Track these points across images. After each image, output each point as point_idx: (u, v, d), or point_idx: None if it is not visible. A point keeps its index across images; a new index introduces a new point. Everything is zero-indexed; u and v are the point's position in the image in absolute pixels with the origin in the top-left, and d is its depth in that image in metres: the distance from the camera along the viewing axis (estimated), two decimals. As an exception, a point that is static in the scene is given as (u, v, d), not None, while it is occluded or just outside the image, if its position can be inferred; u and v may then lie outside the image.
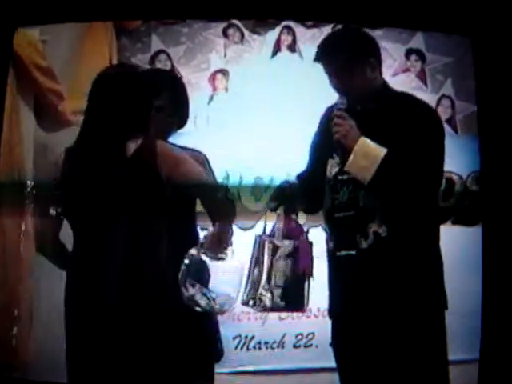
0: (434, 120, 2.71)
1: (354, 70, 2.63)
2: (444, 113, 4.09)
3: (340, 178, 2.66)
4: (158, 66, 4.01)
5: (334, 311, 2.71)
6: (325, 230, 2.73)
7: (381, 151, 2.56)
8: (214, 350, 2.72)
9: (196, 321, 2.56)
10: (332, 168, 2.69)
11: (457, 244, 3.86)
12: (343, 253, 2.63)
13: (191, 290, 2.52)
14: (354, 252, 2.61)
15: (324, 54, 2.66)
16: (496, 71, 2.95)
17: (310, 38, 4.05)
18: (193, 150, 2.81)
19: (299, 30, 4.12)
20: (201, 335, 2.62)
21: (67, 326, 2.49)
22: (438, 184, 2.75)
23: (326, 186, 2.70)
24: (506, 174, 2.91)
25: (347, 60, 2.63)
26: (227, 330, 3.72)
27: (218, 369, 2.80)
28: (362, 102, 2.65)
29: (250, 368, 3.67)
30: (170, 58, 4.07)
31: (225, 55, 4.13)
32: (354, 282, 2.61)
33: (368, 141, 2.59)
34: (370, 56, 2.67)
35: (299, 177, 2.80)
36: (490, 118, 2.98)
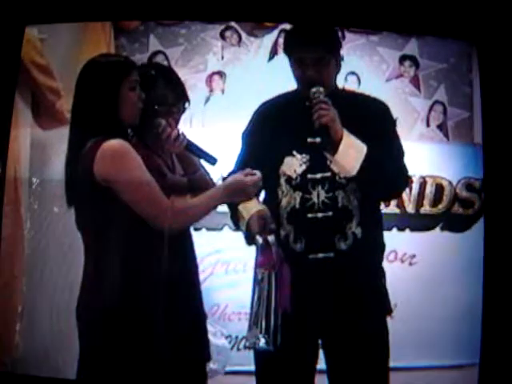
0: (390, 114, 2.70)
1: (330, 63, 2.60)
2: (436, 118, 4.16)
3: (311, 176, 2.59)
4: (156, 66, 4.05)
5: (299, 313, 2.56)
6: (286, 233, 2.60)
7: (364, 144, 2.53)
8: (205, 349, 2.75)
9: (187, 322, 2.59)
10: (295, 166, 2.61)
11: (446, 250, 3.93)
12: (320, 255, 2.57)
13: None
14: (332, 254, 2.57)
15: (307, 41, 2.60)
16: (501, 78, 2.96)
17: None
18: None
19: (296, 33, 4.17)
20: (192, 336, 2.62)
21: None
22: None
23: (283, 186, 2.63)
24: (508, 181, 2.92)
25: (327, 51, 2.59)
26: (218, 329, 3.77)
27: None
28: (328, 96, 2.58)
29: (240, 368, 3.69)
30: (167, 58, 4.11)
31: (222, 57, 4.17)
32: (331, 284, 2.56)
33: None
34: (339, 53, 2.66)
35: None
36: (494, 125, 2.99)
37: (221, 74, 4.16)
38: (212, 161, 2.68)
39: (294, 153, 2.61)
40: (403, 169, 2.65)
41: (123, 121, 2.50)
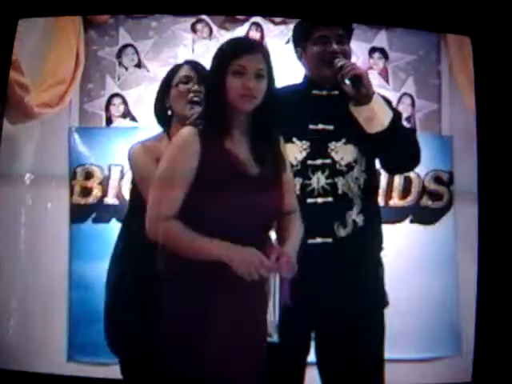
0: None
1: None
2: (404, 111, 4.15)
3: (310, 162, 2.66)
4: (125, 59, 4.05)
5: (296, 298, 2.57)
6: None
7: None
8: None
9: None
10: (295, 153, 2.67)
11: (415, 243, 3.96)
12: (319, 240, 2.61)
13: None
14: (330, 240, 2.61)
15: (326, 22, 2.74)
16: (495, 71, 2.98)
17: (278, 35, 4.10)
18: None
19: (267, 26, 4.16)
20: None
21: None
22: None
23: None
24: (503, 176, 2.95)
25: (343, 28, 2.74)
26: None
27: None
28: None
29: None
30: (137, 51, 4.08)
31: (193, 50, 4.15)
32: (327, 270, 2.59)
33: None
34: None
35: None
36: (488, 119, 3.01)
37: (191, 66, 4.14)
38: None
39: (294, 140, 2.68)
40: (419, 149, 2.73)
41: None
